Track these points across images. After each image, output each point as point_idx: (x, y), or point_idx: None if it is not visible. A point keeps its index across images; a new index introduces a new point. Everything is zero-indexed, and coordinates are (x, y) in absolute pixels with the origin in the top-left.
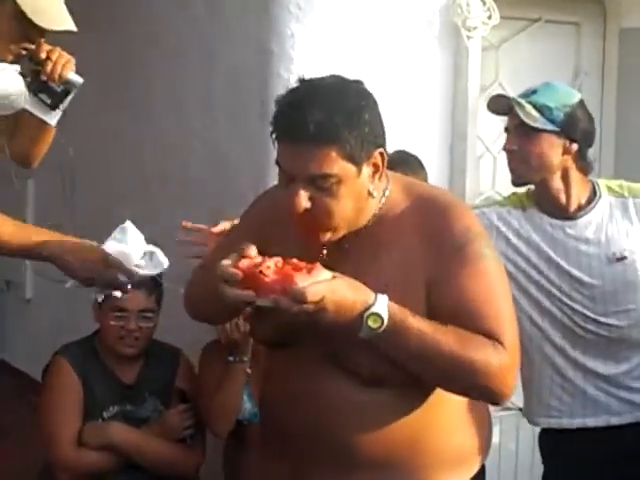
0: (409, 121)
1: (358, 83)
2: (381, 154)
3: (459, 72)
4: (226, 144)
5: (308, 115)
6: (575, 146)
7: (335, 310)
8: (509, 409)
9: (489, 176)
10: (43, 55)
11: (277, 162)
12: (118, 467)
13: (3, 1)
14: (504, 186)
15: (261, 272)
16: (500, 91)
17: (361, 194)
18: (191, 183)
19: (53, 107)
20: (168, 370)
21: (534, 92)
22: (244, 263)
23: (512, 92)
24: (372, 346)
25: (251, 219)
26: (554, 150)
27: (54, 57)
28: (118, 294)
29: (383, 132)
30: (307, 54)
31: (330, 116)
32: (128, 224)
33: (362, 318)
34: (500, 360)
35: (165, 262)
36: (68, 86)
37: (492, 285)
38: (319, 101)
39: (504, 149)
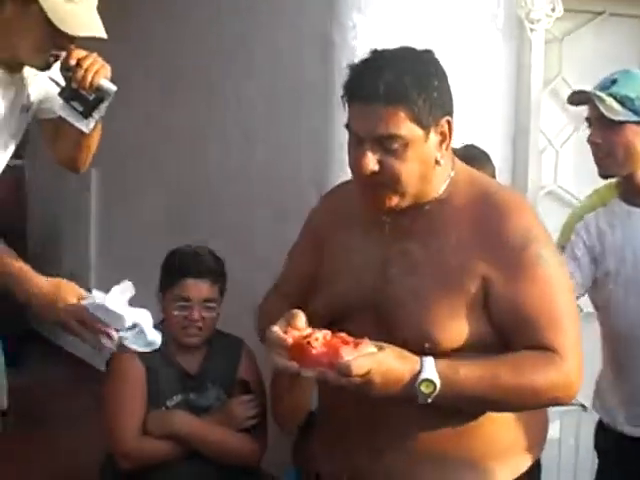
0: (472, 114)
1: (429, 52)
2: (448, 122)
3: (522, 65)
4: (289, 136)
5: (378, 76)
6: None
7: (383, 382)
8: (571, 404)
9: (551, 170)
10: (73, 62)
11: (347, 126)
12: (181, 456)
13: (28, 6)
14: (566, 180)
15: (309, 343)
16: (563, 85)
17: (428, 160)
18: (254, 177)
19: (85, 115)
20: (231, 360)
21: (614, 82)
22: (294, 334)
23: (575, 85)
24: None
25: (312, 223)
26: (638, 139)
27: (85, 64)
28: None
29: (451, 101)
30: (369, 45)
31: (399, 77)
32: (128, 285)
33: (414, 387)
34: (560, 372)
35: (157, 341)
36: (100, 94)
37: (550, 290)
38: (389, 64)
39: (588, 141)
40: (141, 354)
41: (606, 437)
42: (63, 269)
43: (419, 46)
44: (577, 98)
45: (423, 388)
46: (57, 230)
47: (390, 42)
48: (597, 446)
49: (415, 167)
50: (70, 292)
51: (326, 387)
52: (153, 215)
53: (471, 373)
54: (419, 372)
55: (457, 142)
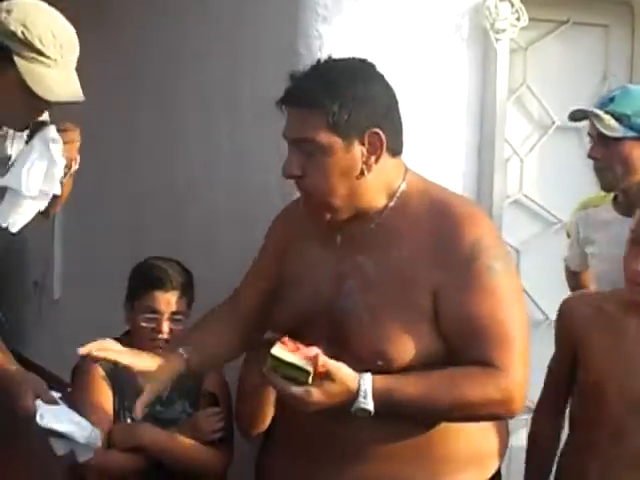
0: (437, 123)
1: (367, 64)
2: (377, 134)
3: (487, 74)
4: (254, 146)
5: (299, 83)
6: None
7: (322, 402)
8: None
9: (516, 179)
10: None
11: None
12: (147, 469)
13: (6, 71)
14: (531, 189)
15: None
16: (527, 94)
17: (350, 171)
18: (220, 188)
19: None
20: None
21: (612, 100)
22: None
23: (540, 94)
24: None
25: (272, 237)
26: (635, 154)
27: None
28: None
29: (386, 117)
30: (334, 56)
31: (317, 83)
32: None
33: (352, 409)
34: (499, 389)
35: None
36: None
37: (497, 302)
38: (316, 72)
39: (589, 156)
40: (106, 367)
41: None
42: (27, 279)
43: (384, 56)
44: (577, 115)
45: (359, 413)
46: (21, 239)
47: (356, 53)
48: None
49: (336, 176)
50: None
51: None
52: (118, 224)
53: (408, 392)
54: (355, 399)
55: (421, 152)
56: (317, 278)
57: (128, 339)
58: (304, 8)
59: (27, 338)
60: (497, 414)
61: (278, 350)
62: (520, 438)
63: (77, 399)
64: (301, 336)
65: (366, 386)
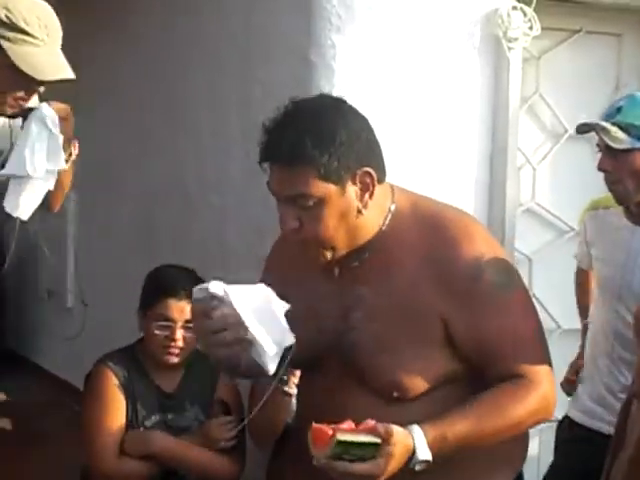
0: (449, 132)
1: (340, 103)
2: (368, 173)
3: (500, 83)
4: None
5: (281, 137)
6: None
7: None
8: (549, 421)
9: (529, 187)
10: None
11: (268, 184)
12: (160, 476)
13: None
14: (544, 197)
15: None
16: (540, 102)
17: (348, 213)
18: (230, 191)
19: None
20: (209, 380)
21: (619, 110)
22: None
23: (552, 103)
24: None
25: (269, 269)
26: None
27: None
28: None
29: (370, 151)
30: (348, 65)
31: (301, 138)
32: None
33: (409, 466)
34: (538, 397)
35: None
36: None
37: (509, 316)
38: (294, 123)
39: (598, 169)
40: (118, 375)
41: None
42: (40, 288)
43: (397, 66)
44: (583, 129)
45: (418, 466)
46: (35, 248)
47: (369, 62)
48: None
49: (335, 222)
50: None
51: (298, 410)
52: (130, 230)
53: (459, 433)
54: (413, 454)
55: (433, 160)
56: (321, 313)
57: (141, 346)
58: (317, 18)
59: (40, 346)
60: (539, 421)
61: (343, 435)
62: (532, 447)
63: (90, 406)
64: (314, 372)
65: (419, 438)
